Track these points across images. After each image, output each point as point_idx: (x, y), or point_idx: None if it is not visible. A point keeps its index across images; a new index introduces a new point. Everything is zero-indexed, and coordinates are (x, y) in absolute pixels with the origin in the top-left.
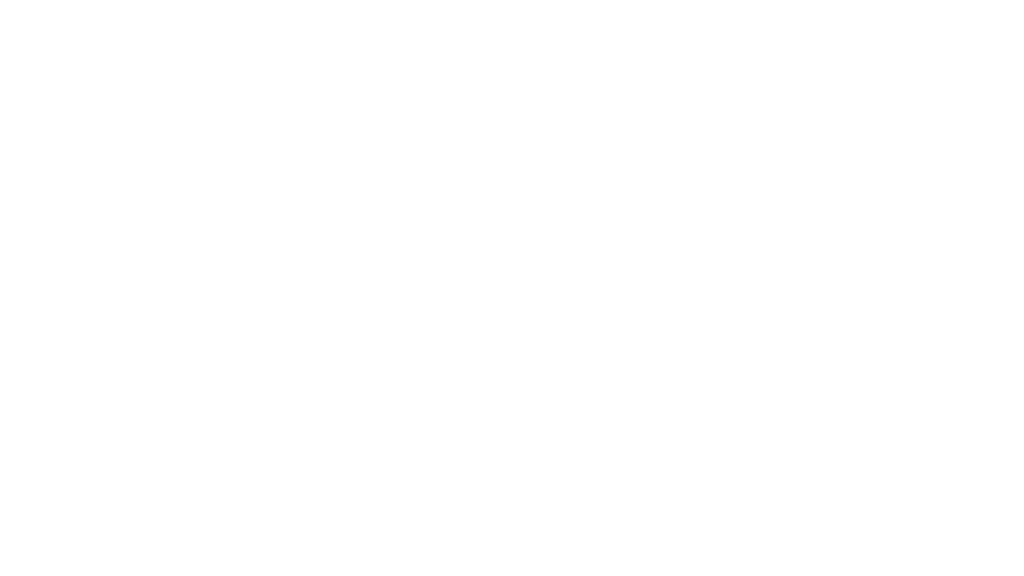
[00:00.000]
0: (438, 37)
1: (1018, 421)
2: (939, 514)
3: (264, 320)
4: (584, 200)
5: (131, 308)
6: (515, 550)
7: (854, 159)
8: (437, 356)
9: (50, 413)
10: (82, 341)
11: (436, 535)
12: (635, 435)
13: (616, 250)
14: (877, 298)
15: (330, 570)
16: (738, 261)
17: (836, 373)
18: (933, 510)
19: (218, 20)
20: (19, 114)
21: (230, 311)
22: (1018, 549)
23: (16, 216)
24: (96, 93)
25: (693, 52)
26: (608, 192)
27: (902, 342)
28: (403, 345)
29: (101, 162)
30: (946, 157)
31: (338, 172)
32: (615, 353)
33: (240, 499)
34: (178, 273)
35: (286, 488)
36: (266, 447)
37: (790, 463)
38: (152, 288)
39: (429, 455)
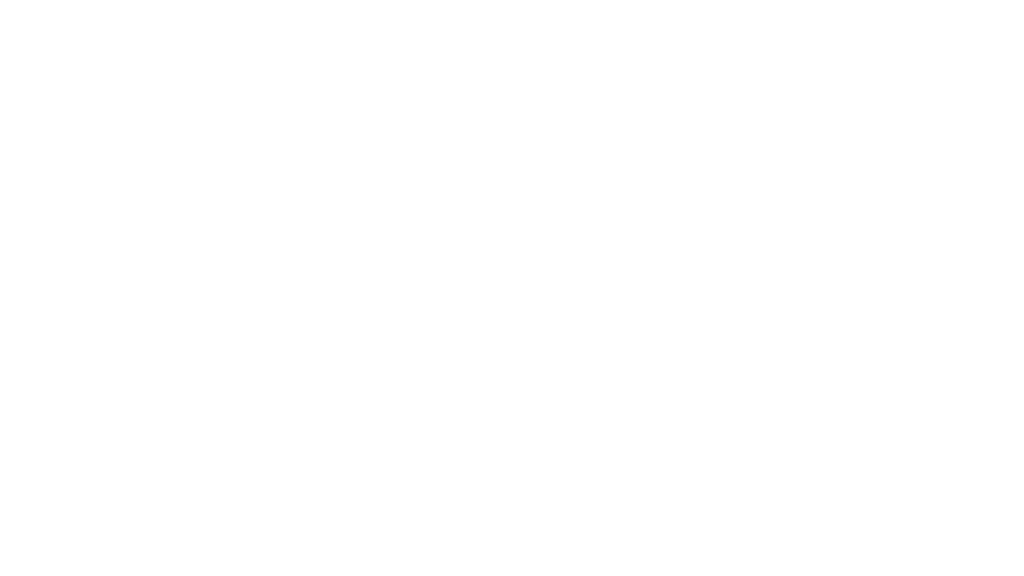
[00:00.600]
0: (438, 37)
1: (1018, 421)
2: (939, 514)
3: (264, 320)
4: (584, 200)
5: (131, 308)
6: (514, 550)
7: (854, 159)
8: (437, 356)
9: (50, 413)
10: (82, 341)
11: (436, 535)
12: (635, 435)
13: (616, 250)
14: (877, 298)
15: (330, 570)
16: (738, 261)
17: (836, 373)
18: (933, 510)
19: (218, 20)
20: (19, 114)
21: (230, 311)
22: (1018, 549)
23: (16, 216)
24: (96, 93)
25: (693, 52)
26: (608, 192)
27: (902, 342)
28: (403, 345)
29: (101, 162)
30: (946, 157)
31: (338, 172)
32: (615, 353)
33: (240, 499)
34: (178, 273)
35: (286, 488)
36: (266, 447)
37: (790, 463)
38: (152, 288)
39: (429, 455)
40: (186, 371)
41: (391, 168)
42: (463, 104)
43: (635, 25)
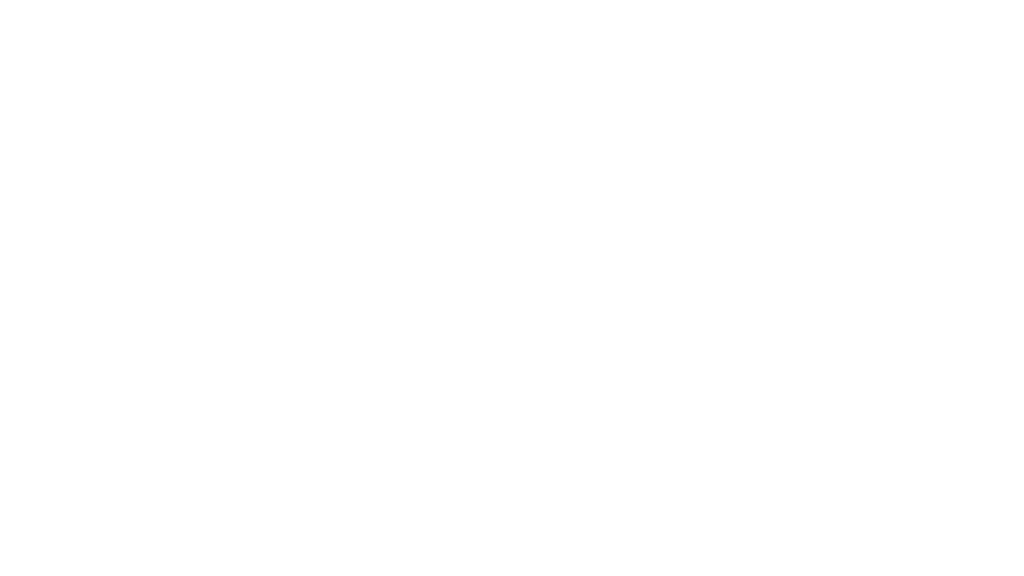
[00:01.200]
0: (438, 37)
1: (1018, 421)
2: (939, 514)
3: (264, 320)
4: (584, 200)
5: (131, 308)
6: (514, 550)
7: (854, 159)
8: (437, 356)
9: (50, 413)
10: (82, 341)
11: (436, 535)
12: (635, 436)
13: (616, 250)
14: (877, 298)
15: (330, 570)
16: (738, 261)
17: (836, 373)
18: (933, 510)
19: (218, 20)
20: (19, 114)
21: (230, 311)
22: (1018, 549)
23: (16, 216)
24: (96, 93)
25: (693, 52)
26: (608, 192)
27: (902, 342)
28: (403, 345)
29: (101, 162)
30: (946, 157)
31: (338, 172)
32: (615, 353)
33: (240, 499)
34: (178, 273)
35: (286, 488)
36: (266, 447)
37: (790, 463)
38: (152, 288)
39: (429, 455)
40: (186, 371)
41: (391, 168)
42: (463, 104)
43: (635, 25)
